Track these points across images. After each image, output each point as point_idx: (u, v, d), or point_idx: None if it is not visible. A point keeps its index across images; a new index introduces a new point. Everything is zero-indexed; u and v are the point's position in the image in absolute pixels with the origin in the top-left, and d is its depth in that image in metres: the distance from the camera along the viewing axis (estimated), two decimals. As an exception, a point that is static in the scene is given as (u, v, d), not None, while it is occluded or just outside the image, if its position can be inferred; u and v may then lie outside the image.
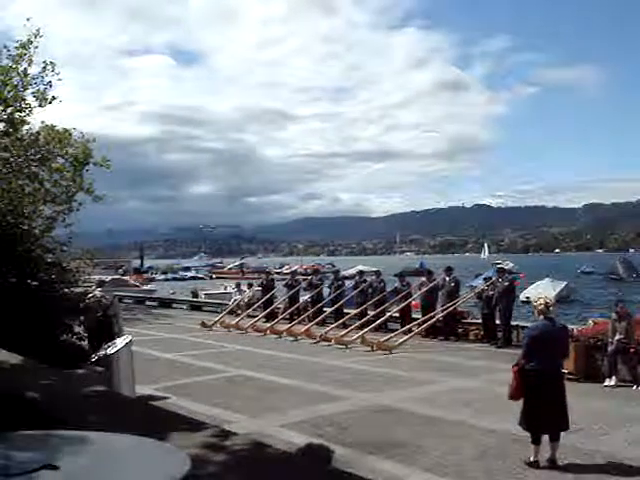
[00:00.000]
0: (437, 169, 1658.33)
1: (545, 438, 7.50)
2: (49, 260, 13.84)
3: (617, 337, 12.61)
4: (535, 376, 7.51)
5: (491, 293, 17.99)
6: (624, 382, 12.36)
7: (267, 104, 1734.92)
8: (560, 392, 7.60)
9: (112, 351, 9.85)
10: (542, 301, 7.82)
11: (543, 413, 7.46)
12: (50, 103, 15.95)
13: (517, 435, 7.95)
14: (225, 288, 38.24)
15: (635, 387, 12.15)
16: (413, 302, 20.97)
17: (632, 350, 12.46)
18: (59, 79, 15.98)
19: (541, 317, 7.82)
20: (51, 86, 15.86)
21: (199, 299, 36.15)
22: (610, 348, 12.59)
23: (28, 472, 2.54)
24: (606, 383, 12.37)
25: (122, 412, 5.86)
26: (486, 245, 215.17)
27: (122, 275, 62.23)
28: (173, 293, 45.33)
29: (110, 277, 42.51)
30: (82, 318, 13.48)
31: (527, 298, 43.08)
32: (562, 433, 7.58)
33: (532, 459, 7.39)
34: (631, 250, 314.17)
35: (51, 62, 15.79)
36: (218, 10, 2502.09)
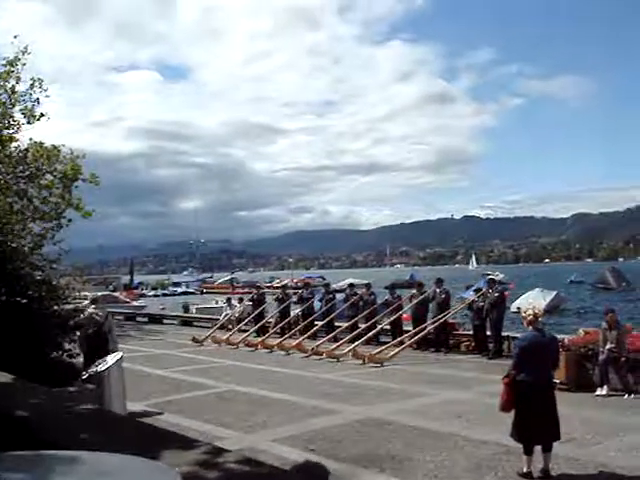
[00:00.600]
0: (425, 181, 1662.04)
1: (537, 449, 7.51)
2: (38, 277, 13.78)
3: (608, 346, 12.64)
4: (526, 387, 7.52)
5: (481, 304, 18.03)
6: (615, 391, 12.39)
7: (254, 118, 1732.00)
8: (551, 403, 7.61)
9: (103, 368, 9.80)
10: (531, 312, 7.87)
11: (534, 424, 7.45)
12: (38, 120, 15.96)
13: (509, 446, 7.94)
14: (216, 302, 38.23)
15: (626, 396, 12.17)
16: (404, 314, 20.97)
17: (623, 359, 12.50)
18: (47, 96, 16.01)
19: (530, 328, 7.85)
20: (39, 103, 15.89)
21: (190, 314, 36.09)
22: (601, 357, 12.63)
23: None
24: (598, 392, 12.40)
25: (113, 430, 5.82)
26: (474, 256, 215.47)
27: (112, 291, 61.97)
28: (163, 309, 45.15)
29: (100, 293, 42.34)
30: (73, 335, 13.39)
31: (518, 309, 43.20)
32: (555, 443, 7.57)
33: (525, 470, 7.38)
34: (620, 259, 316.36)
35: (39, 79, 15.83)
36: (205, 26, 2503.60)
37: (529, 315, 7.83)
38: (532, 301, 43.68)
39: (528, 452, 7.47)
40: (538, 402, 7.50)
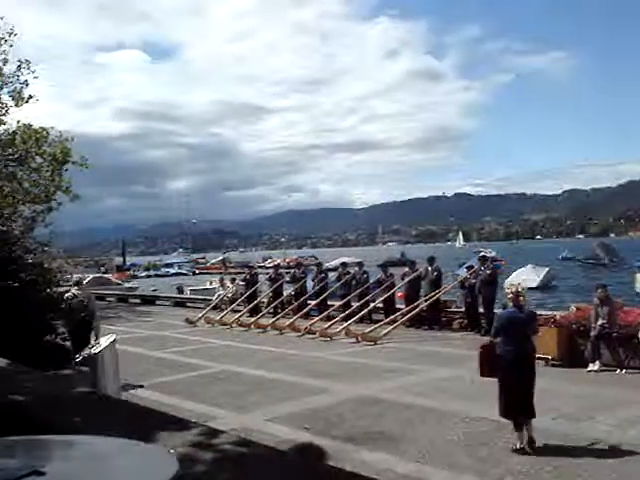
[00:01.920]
0: (416, 159, 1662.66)
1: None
2: (30, 261, 13.74)
3: (600, 322, 12.71)
4: (505, 362, 7.83)
5: (473, 282, 18.09)
6: (607, 366, 12.48)
7: (242, 97, 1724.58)
8: (529, 376, 7.78)
9: (96, 350, 9.81)
10: (514, 289, 8.12)
11: (515, 397, 7.68)
12: (27, 102, 15.82)
13: (502, 422, 8.00)
14: (210, 283, 38.13)
15: (618, 371, 12.27)
16: (399, 293, 21.01)
17: (614, 335, 12.59)
18: (35, 77, 15.85)
19: (511, 304, 8.13)
20: (27, 85, 15.74)
21: (184, 295, 36.05)
22: (593, 333, 12.70)
23: (14, 479, 2.52)
24: (589, 368, 12.49)
25: (108, 413, 5.83)
26: (460, 234, 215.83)
27: (104, 273, 61.90)
28: (155, 290, 45.05)
29: (91, 275, 42.27)
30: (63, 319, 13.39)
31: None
32: (543, 418, 7.78)
33: (518, 446, 7.49)
34: (612, 235, 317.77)
35: (27, 60, 15.66)
36: (188, 3, 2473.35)
37: (511, 292, 8.10)
38: (525, 277, 43.99)
39: (518, 428, 7.61)
40: (519, 375, 7.73)
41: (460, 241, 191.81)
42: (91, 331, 12.62)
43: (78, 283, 14.97)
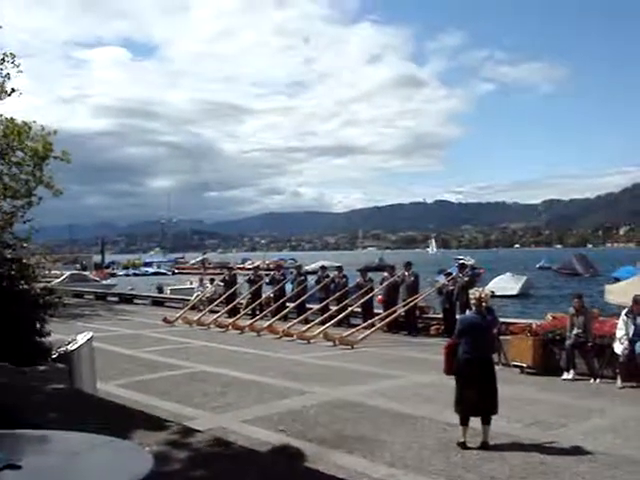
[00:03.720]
0: (397, 165, 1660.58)
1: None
2: (8, 256, 13.61)
3: (575, 331, 12.86)
4: (463, 362, 8.19)
5: (451, 288, 18.20)
6: (582, 376, 12.63)
7: (223, 98, 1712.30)
8: (487, 377, 8.13)
9: (73, 347, 9.75)
10: (477, 295, 8.53)
11: (468, 396, 8.05)
12: (9, 95, 15.68)
13: (476, 429, 8.06)
14: (191, 283, 38.04)
15: (592, 380, 12.41)
16: (379, 297, 21.08)
17: (589, 344, 12.73)
18: (19, 71, 15.72)
19: (474, 309, 8.55)
20: (9, 78, 15.60)
21: (163, 294, 35.92)
22: (568, 342, 12.85)
23: (-11, 472, 2.53)
24: (564, 377, 12.63)
25: (83, 409, 5.82)
26: (433, 241, 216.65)
27: (83, 269, 61.50)
28: (132, 289, 44.72)
29: (69, 272, 42.00)
30: (44, 314, 13.26)
31: (492, 292, 43.56)
32: (518, 425, 8.11)
33: (461, 440, 7.88)
34: (589, 245, 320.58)
35: (11, 54, 15.52)
36: (171, 2, 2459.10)
37: (474, 298, 8.51)
38: (505, 285, 44.32)
39: (463, 422, 8.03)
40: (474, 377, 8.08)
41: (433, 248, 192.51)
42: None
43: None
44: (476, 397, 7.98)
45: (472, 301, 8.61)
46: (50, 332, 11.19)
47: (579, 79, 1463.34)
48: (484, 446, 7.81)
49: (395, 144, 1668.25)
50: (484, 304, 8.48)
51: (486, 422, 7.98)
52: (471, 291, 9.24)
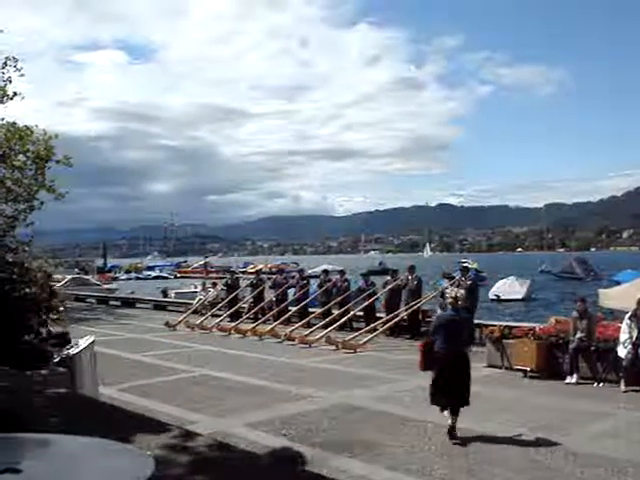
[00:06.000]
0: (397, 168, 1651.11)
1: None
2: (10, 260, 13.60)
3: (578, 335, 12.82)
4: (439, 357, 8.71)
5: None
6: (585, 379, 12.57)
7: (221, 101, 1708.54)
8: (460, 371, 8.61)
9: (75, 351, 9.73)
10: (453, 294, 9.13)
11: (440, 387, 8.58)
12: (11, 99, 15.66)
13: (480, 433, 8.04)
14: (195, 287, 38.03)
15: (595, 384, 12.36)
16: (384, 301, 21.00)
17: (593, 348, 12.69)
18: (21, 75, 15.70)
19: (449, 308, 9.07)
20: (10, 82, 15.58)
21: (167, 298, 35.95)
22: (571, 346, 12.80)
23: (-11, 476, 2.50)
24: (567, 380, 12.57)
25: (85, 414, 5.80)
26: (428, 245, 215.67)
27: (84, 274, 61.43)
28: (132, 293, 44.67)
29: (70, 276, 41.96)
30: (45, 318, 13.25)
31: (497, 296, 43.53)
32: (523, 429, 8.17)
33: (449, 423, 8.40)
34: (592, 249, 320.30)
35: (14, 57, 15.50)
36: (167, 4, 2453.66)
37: (450, 297, 9.09)
38: (509, 288, 44.42)
39: (442, 409, 8.67)
40: (447, 370, 8.58)
41: (427, 251, 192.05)
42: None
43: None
44: (447, 388, 8.46)
45: (448, 300, 9.21)
46: (52, 335, 11.16)
47: (579, 80, 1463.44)
48: (451, 433, 8.25)
49: (396, 147, 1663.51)
50: (460, 303, 9.22)
51: (454, 413, 8.39)
52: (447, 291, 9.65)
